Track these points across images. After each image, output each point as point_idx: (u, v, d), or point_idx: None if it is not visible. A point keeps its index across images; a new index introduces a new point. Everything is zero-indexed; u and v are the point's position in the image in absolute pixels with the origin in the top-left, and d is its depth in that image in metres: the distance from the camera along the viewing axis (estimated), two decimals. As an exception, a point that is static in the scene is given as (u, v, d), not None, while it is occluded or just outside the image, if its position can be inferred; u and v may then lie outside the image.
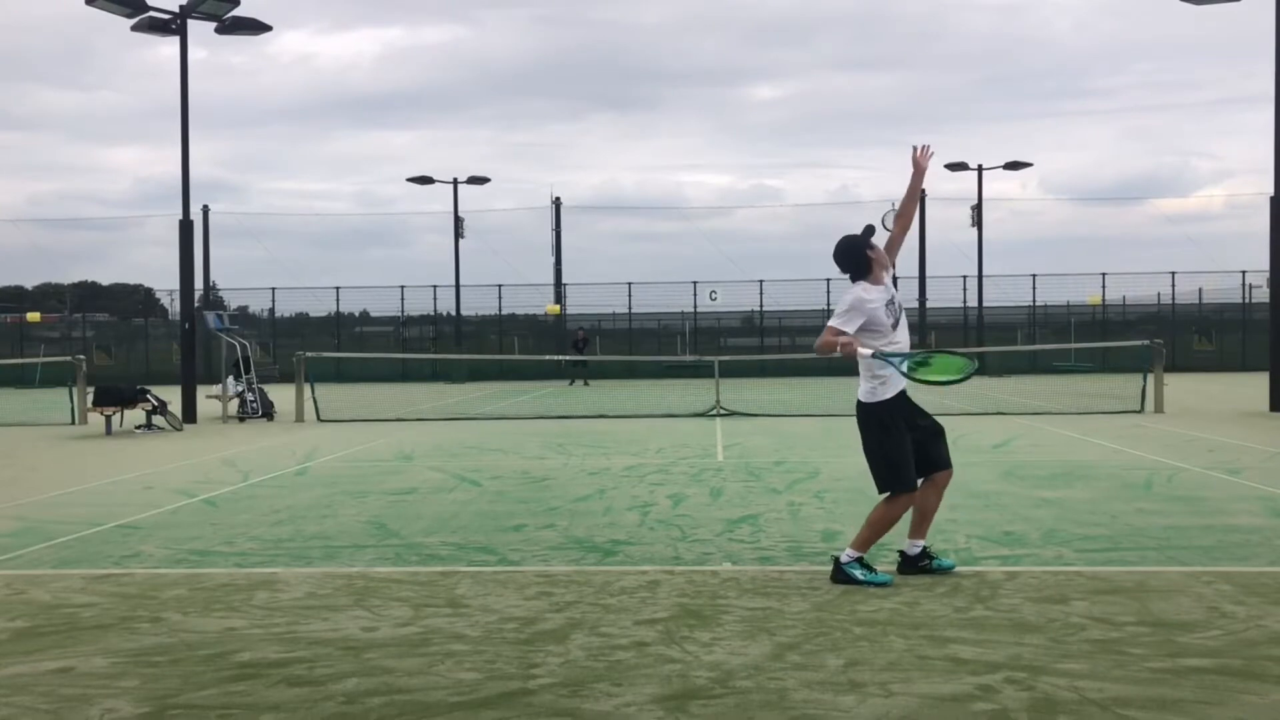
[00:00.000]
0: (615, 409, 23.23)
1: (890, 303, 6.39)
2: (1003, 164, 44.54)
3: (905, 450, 6.33)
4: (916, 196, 6.96)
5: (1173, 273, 44.40)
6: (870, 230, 6.59)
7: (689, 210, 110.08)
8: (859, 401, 6.47)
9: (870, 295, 6.33)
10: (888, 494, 6.38)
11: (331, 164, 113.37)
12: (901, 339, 6.42)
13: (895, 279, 6.65)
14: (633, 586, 6.38)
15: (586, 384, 35.37)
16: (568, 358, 36.26)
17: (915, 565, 6.54)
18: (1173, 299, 44.66)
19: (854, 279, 6.42)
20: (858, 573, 6.30)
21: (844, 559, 6.36)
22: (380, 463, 13.44)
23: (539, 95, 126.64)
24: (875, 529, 6.38)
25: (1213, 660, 4.81)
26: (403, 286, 46.24)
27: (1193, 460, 12.37)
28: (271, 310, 47.18)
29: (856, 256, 6.40)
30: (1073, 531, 7.99)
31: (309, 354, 23.58)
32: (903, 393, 6.44)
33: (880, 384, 6.35)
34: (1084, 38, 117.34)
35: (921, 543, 6.56)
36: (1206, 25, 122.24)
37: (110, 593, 6.45)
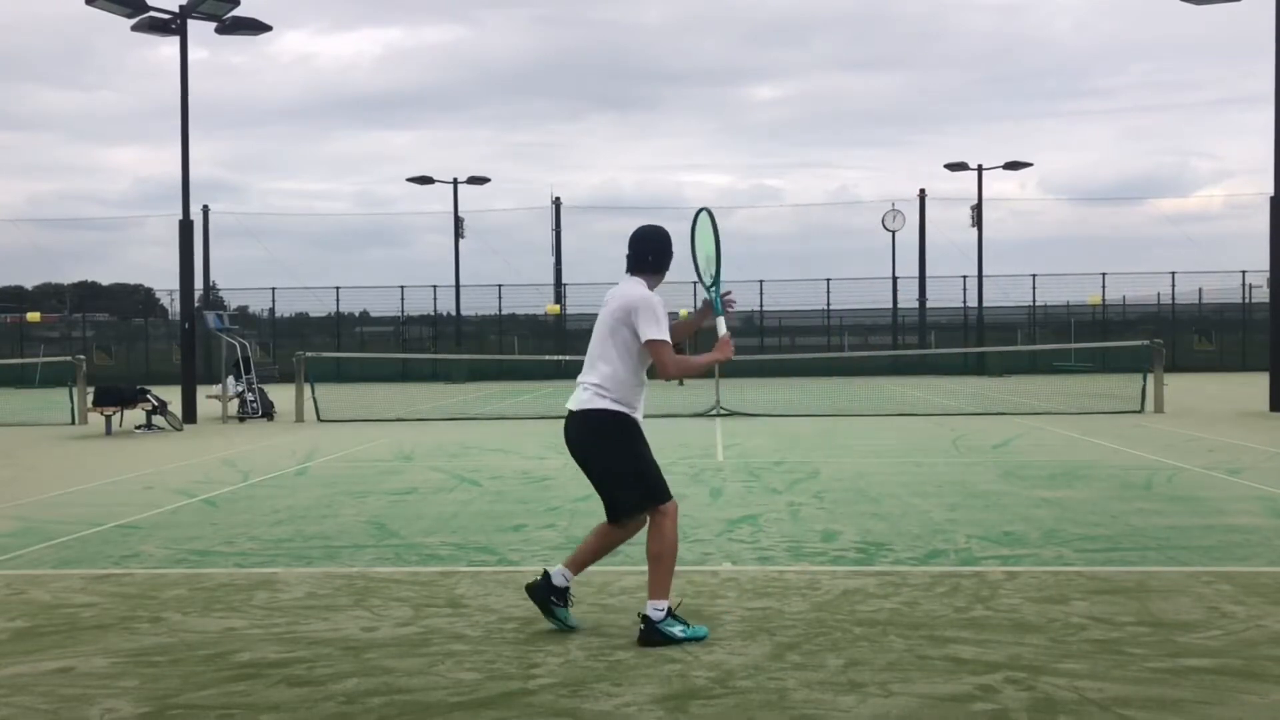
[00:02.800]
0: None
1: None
2: (1003, 164, 44.55)
3: (654, 460, 5.41)
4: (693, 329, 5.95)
5: (1173, 273, 44.42)
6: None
7: (689, 210, 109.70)
8: (604, 409, 5.30)
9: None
10: (646, 514, 5.38)
11: (331, 164, 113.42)
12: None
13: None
14: (633, 586, 6.38)
15: (680, 384, 34.74)
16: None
17: (549, 595, 5.45)
18: (1173, 299, 44.65)
19: (642, 272, 5.48)
20: (677, 629, 5.19)
21: (654, 615, 5.18)
22: (380, 463, 13.44)
23: (539, 95, 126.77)
24: (668, 559, 5.26)
25: (1213, 660, 4.81)
26: (403, 286, 46.28)
27: (1193, 460, 12.37)
28: (271, 310, 47.17)
29: (666, 249, 5.54)
30: (1073, 531, 7.99)
31: (309, 354, 23.58)
32: None
33: (636, 399, 5.41)
34: (1084, 38, 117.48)
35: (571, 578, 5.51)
36: (1206, 25, 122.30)
37: (110, 593, 6.44)
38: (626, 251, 5.53)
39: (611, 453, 5.33)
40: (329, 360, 36.97)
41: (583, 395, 5.36)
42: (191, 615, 5.87)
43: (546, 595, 5.45)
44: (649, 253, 5.50)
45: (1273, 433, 15.96)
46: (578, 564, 5.54)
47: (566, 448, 5.48)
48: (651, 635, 5.16)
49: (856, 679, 4.60)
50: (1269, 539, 7.66)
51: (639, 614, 5.28)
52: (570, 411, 5.41)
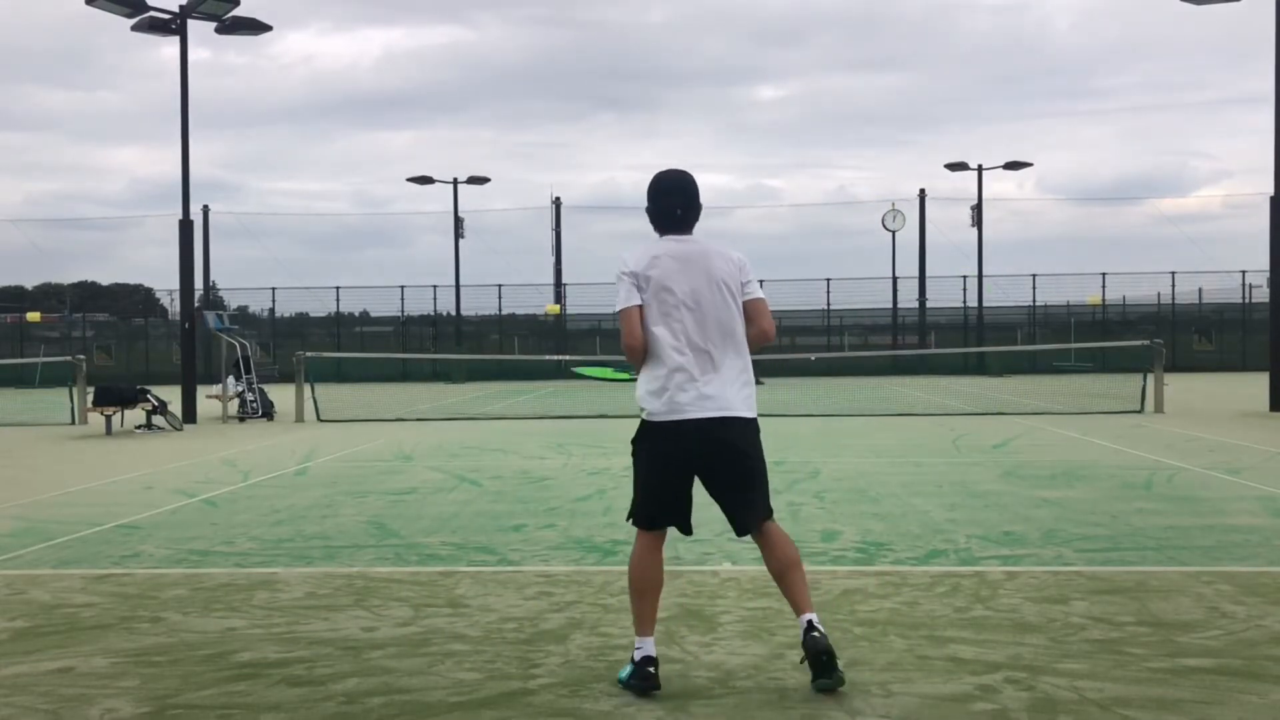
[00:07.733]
0: (615, 409, 23.20)
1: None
2: (1003, 164, 44.56)
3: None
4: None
5: (1173, 273, 44.46)
6: None
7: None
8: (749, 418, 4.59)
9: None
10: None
11: (331, 164, 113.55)
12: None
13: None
14: (633, 586, 6.37)
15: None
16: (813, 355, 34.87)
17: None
18: (1173, 299, 44.68)
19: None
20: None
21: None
22: (380, 463, 13.44)
23: (539, 95, 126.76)
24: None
25: (1213, 660, 4.81)
26: (403, 286, 46.35)
27: (1193, 460, 12.37)
28: (271, 310, 47.21)
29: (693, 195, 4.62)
30: (1073, 531, 7.98)
31: (309, 354, 23.59)
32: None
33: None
34: (1084, 38, 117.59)
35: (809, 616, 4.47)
36: (1206, 25, 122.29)
37: (110, 593, 6.44)
38: (675, 206, 4.59)
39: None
40: (329, 360, 36.99)
41: (742, 394, 4.52)
42: (191, 615, 5.87)
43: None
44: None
45: (1273, 433, 15.96)
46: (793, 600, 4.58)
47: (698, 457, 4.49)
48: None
49: (856, 679, 4.59)
50: (1269, 539, 7.66)
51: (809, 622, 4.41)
52: (728, 418, 4.46)
